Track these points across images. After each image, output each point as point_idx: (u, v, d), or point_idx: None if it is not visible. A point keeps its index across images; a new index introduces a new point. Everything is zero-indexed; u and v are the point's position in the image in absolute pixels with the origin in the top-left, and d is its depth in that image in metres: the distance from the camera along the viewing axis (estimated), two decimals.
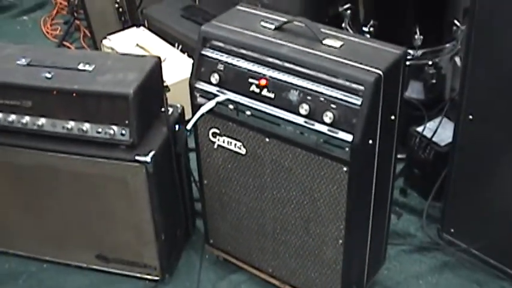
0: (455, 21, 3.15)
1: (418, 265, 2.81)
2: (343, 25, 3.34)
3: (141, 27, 3.97)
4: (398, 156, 2.87)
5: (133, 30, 3.95)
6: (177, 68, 3.47)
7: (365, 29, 3.15)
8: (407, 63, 3.01)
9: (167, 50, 3.70)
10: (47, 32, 4.63)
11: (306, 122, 2.13)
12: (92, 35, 4.14)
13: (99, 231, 2.66)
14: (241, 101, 2.25)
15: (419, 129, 3.04)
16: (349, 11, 3.34)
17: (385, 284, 2.71)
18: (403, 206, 3.04)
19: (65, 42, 4.41)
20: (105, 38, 3.82)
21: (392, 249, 2.82)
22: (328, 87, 2.09)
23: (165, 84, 3.21)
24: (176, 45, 3.78)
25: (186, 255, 2.86)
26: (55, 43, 4.43)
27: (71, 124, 2.44)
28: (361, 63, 2.07)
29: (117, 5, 4.09)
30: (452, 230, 2.81)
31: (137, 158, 2.41)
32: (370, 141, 2.12)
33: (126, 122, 2.38)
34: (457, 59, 3.22)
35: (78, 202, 2.60)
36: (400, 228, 2.95)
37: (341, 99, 2.07)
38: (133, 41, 3.76)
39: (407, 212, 3.02)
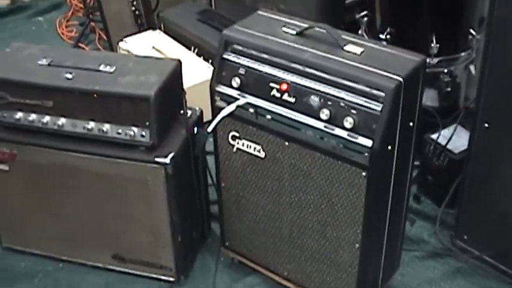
0: (471, 30, 3.17)
1: (431, 271, 2.82)
2: (359, 32, 3.36)
3: (157, 31, 4.00)
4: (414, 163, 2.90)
5: (150, 33, 3.97)
6: (192, 71, 3.49)
7: (381, 36, 3.17)
8: None
9: (183, 53, 3.72)
10: (62, 33, 4.66)
11: (326, 126, 2.15)
12: (108, 37, 4.16)
13: (116, 231, 2.68)
14: (262, 105, 2.28)
15: (434, 136, 3.06)
16: (365, 18, 3.36)
17: None
18: (416, 213, 3.05)
19: (80, 44, 4.43)
20: (121, 40, 3.85)
21: (406, 255, 2.83)
22: (349, 93, 2.12)
23: None
24: (192, 48, 3.81)
25: (201, 258, 2.87)
26: (70, 45, 4.45)
27: (91, 124, 2.46)
28: (382, 70, 2.09)
29: (133, 8, 4.11)
30: (465, 237, 2.82)
31: (157, 159, 2.43)
32: (389, 147, 2.14)
33: (147, 123, 2.40)
34: (472, 68, 3.24)
35: (96, 202, 2.62)
36: (414, 234, 2.97)
37: (361, 105, 2.09)
38: (149, 43, 3.79)
39: (421, 219, 3.03)
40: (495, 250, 2.70)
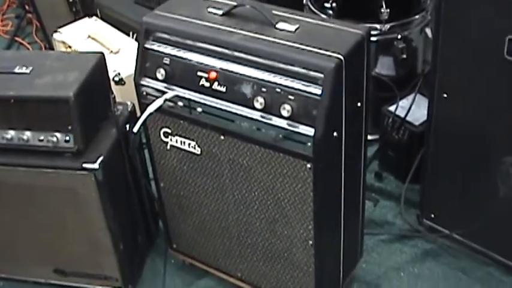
0: None
1: (398, 255, 2.66)
2: (304, 1, 3.13)
3: (94, 17, 3.75)
4: (372, 137, 2.71)
5: (86, 20, 3.72)
6: (132, 58, 3.24)
7: (327, 5, 2.97)
8: (375, 39, 2.86)
9: (121, 40, 3.48)
10: None
11: (262, 116, 1.94)
12: (43, 28, 3.93)
13: (54, 244, 2.49)
14: (191, 97, 2.06)
15: (392, 108, 2.88)
16: None
17: (365, 279, 2.55)
18: (379, 192, 2.88)
19: (17, 38, 4.20)
20: (55, 31, 3.60)
21: (370, 239, 2.67)
22: (284, 77, 1.90)
23: (120, 77, 3.03)
24: (131, 34, 3.57)
25: (151, 261, 2.70)
26: (7, 39, 4.21)
27: (11, 134, 2.27)
28: (319, 48, 1.87)
29: None
30: (432, 215, 2.65)
31: (84, 165, 2.22)
32: (335, 134, 1.93)
33: (69, 127, 2.20)
34: (428, 31, 3.06)
35: (29, 216, 2.43)
36: (377, 216, 2.80)
37: (299, 90, 1.87)
38: (85, 32, 3.54)
39: (384, 198, 2.87)
40: (466, 228, 2.51)
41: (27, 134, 2.25)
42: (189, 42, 2.05)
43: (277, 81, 1.90)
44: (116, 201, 2.35)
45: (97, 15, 3.80)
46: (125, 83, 3.06)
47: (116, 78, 3.03)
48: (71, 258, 2.51)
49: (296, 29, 1.96)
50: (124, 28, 3.61)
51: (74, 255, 2.49)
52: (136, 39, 3.51)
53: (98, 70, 2.29)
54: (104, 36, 3.49)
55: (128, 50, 3.36)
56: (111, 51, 3.29)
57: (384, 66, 3.03)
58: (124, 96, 2.73)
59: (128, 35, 3.57)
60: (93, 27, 3.62)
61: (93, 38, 3.47)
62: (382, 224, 2.77)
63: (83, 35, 3.52)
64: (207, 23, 2.04)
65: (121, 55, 3.29)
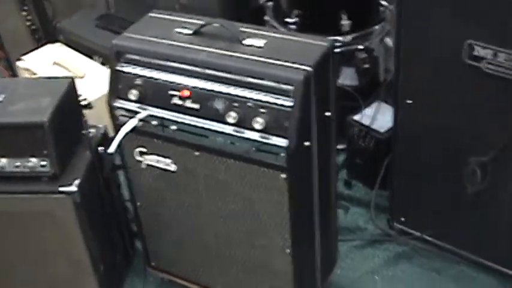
0: (382, 1, 3.07)
1: (371, 260, 2.71)
2: (265, 17, 3.20)
3: (57, 43, 3.77)
4: (339, 146, 2.76)
5: (49, 47, 3.74)
6: (98, 82, 3.28)
7: (289, 20, 3.01)
8: (337, 50, 2.91)
9: (86, 64, 3.51)
10: None
11: (235, 130, 1.99)
12: (6, 56, 3.92)
13: (35, 270, 2.50)
14: (165, 116, 2.10)
15: (357, 117, 2.93)
16: (270, 3, 3.22)
17: (340, 285, 2.61)
18: (349, 199, 2.93)
19: None
20: (19, 59, 3.62)
21: (343, 246, 2.71)
22: (255, 91, 1.96)
23: (87, 101, 3.05)
24: (96, 58, 3.60)
25: (130, 281, 2.71)
26: None
27: None
28: (287, 61, 1.94)
29: (28, 23, 3.89)
30: (402, 219, 2.71)
31: (61, 189, 2.25)
32: (307, 143, 1.99)
33: (45, 152, 2.22)
34: (388, 40, 3.12)
35: (8, 242, 2.43)
36: (349, 222, 2.85)
37: (270, 103, 1.93)
38: (50, 59, 3.56)
39: (355, 205, 2.92)
40: (436, 228, 2.59)
41: (3, 161, 2.26)
42: (159, 62, 2.10)
43: (249, 96, 1.96)
44: (94, 223, 2.37)
45: (60, 41, 3.82)
46: (92, 107, 3.08)
47: (83, 103, 3.06)
48: (52, 282, 2.52)
49: (264, 44, 2.02)
50: (88, 52, 3.64)
51: (55, 279, 2.50)
52: (101, 63, 3.55)
53: (69, 95, 2.33)
54: (69, 61, 3.52)
55: (93, 74, 3.40)
56: (77, 76, 3.31)
57: (347, 77, 3.08)
58: (92, 119, 2.75)
59: (92, 59, 3.60)
60: (57, 53, 3.64)
61: (58, 64, 3.50)
62: (354, 230, 2.82)
63: (48, 61, 3.54)
64: (176, 43, 2.09)
65: (87, 79, 3.31)
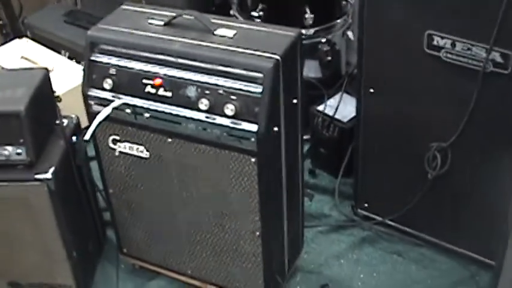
0: None
1: (336, 244, 2.79)
2: (231, 12, 3.28)
3: (25, 38, 3.81)
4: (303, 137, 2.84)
5: (17, 42, 3.78)
6: (66, 76, 3.34)
7: (254, 13, 3.09)
8: None
9: (54, 58, 3.56)
10: None
11: (207, 117, 2.07)
12: None
13: (7, 257, 2.54)
14: (138, 104, 2.17)
15: (320, 108, 3.02)
16: None
17: (307, 269, 2.68)
18: (314, 187, 3.01)
19: None
20: None
21: (309, 231, 2.79)
22: (226, 79, 2.04)
23: (56, 94, 3.10)
24: (63, 52, 3.65)
25: (101, 268, 2.76)
26: None
27: None
28: (257, 50, 2.02)
29: None
30: (366, 205, 2.81)
31: (37, 176, 2.30)
32: (275, 128, 2.08)
33: (21, 140, 2.27)
34: (350, 33, 3.22)
35: None
36: (314, 209, 2.93)
37: (241, 90, 2.02)
38: (17, 53, 3.61)
39: (319, 193, 3.00)
40: (397, 213, 2.68)
41: None
42: (132, 52, 2.16)
43: (220, 83, 2.04)
44: (68, 210, 2.42)
45: (28, 36, 3.86)
46: (61, 99, 3.14)
47: None
48: (25, 269, 2.55)
49: (234, 35, 2.10)
50: (55, 47, 3.68)
51: (28, 266, 2.53)
52: (69, 57, 3.60)
53: (44, 84, 2.38)
54: (37, 56, 3.57)
55: (61, 68, 3.44)
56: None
57: (311, 69, 3.17)
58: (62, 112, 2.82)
59: (60, 54, 3.65)
60: (25, 48, 3.68)
61: (26, 59, 3.54)
62: (319, 216, 2.90)
63: (16, 56, 3.58)
64: (148, 33, 2.16)
65: (55, 73, 3.35)
